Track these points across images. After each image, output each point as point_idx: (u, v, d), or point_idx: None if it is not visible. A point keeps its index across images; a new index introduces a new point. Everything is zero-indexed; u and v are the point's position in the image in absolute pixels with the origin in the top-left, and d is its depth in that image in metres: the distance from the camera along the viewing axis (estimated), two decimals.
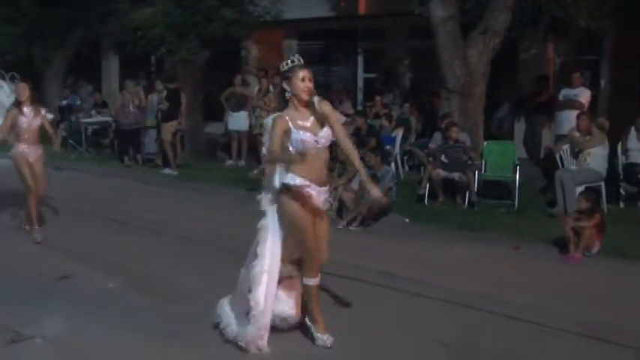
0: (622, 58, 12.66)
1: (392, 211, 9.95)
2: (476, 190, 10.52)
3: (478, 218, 9.76)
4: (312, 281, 5.02)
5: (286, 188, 4.87)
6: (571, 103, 11.68)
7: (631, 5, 11.49)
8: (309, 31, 17.80)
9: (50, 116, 9.23)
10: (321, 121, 4.90)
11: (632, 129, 10.33)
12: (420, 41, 14.97)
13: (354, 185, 10.25)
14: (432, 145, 11.25)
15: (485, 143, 11.26)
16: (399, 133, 12.90)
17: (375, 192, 5.39)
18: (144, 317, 5.75)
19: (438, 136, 11.15)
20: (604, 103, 12.91)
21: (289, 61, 4.86)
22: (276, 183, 4.98)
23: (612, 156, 10.26)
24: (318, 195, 4.92)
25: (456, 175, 10.45)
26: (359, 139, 11.80)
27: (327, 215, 5.23)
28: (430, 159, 11.10)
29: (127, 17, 14.95)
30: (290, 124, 4.82)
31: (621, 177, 10.20)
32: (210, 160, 15.24)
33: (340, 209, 10.05)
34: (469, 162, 10.58)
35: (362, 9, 16.20)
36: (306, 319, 5.20)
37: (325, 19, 16.48)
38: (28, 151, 8.45)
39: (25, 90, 8.46)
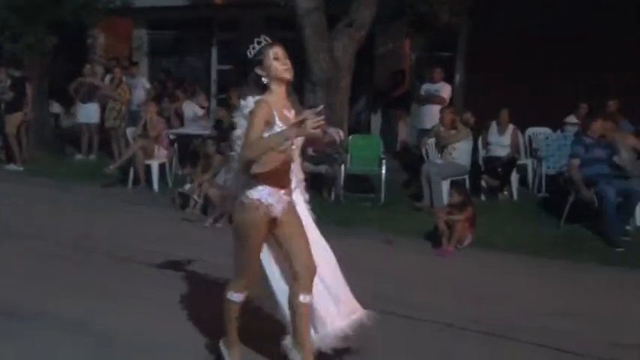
0: (477, 54, 13.03)
1: None
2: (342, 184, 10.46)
3: (346, 213, 9.68)
4: (235, 296, 4.40)
5: (247, 200, 4.13)
6: (433, 98, 11.90)
7: (486, 3, 11.84)
8: (161, 21, 17.18)
9: None
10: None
11: (494, 123, 10.64)
12: (278, 32, 14.79)
13: (220, 180, 9.94)
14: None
15: (350, 137, 11.22)
16: None
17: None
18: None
19: None
20: (460, 99, 13.23)
21: (255, 44, 4.19)
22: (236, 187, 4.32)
23: (473, 150, 10.51)
24: (279, 202, 4.18)
25: (322, 169, 10.32)
26: (221, 132, 11.49)
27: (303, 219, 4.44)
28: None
29: None
30: (275, 113, 4.03)
31: (482, 170, 10.44)
32: (58, 154, 14.31)
33: (206, 206, 9.69)
34: (336, 155, 10.49)
35: None
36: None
37: (178, 8, 15.91)
38: None
39: None
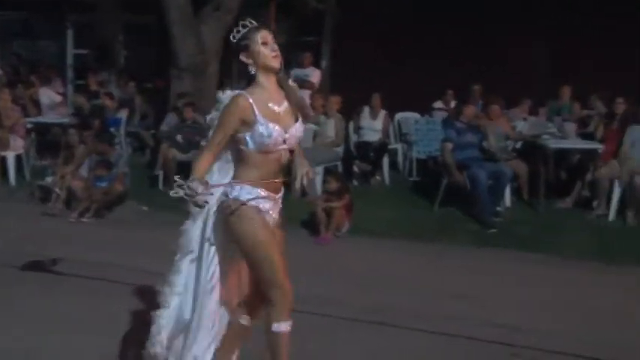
0: (343, 39, 13.02)
1: (127, 198, 9.38)
2: None
3: None
4: (284, 326, 3.58)
5: (237, 203, 3.55)
6: (302, 83, 11.75)
7: None
8: (6, 0, 16.10)
9: None
10: (296, 111, 3.66)
11: (366, 108, 10.64)
12: (137, 17, 14.26)
13: (84, 172, 9.47)
14: (164, 128, 10.67)
15: None
16: (123, 114, 12.11)
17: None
18: None
19: (171, 118, 10.60)
20: (327, 84, 13.18)
21: (240, 27, 3.64)
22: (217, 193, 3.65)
23: (345, 135, 10.50)
24: (274, 208, 3.66)
25: (191, 156, 10.00)
26: (82, 120, 10.96)
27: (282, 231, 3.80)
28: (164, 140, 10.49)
29: None
30: (255, 110, 3.49)
31: (354, 155, 10.45)
32: None
33: (69, 200, 9.19)
34: (203, 143, 10.15)
35: None
36: None
37: None
38: None
39: None
